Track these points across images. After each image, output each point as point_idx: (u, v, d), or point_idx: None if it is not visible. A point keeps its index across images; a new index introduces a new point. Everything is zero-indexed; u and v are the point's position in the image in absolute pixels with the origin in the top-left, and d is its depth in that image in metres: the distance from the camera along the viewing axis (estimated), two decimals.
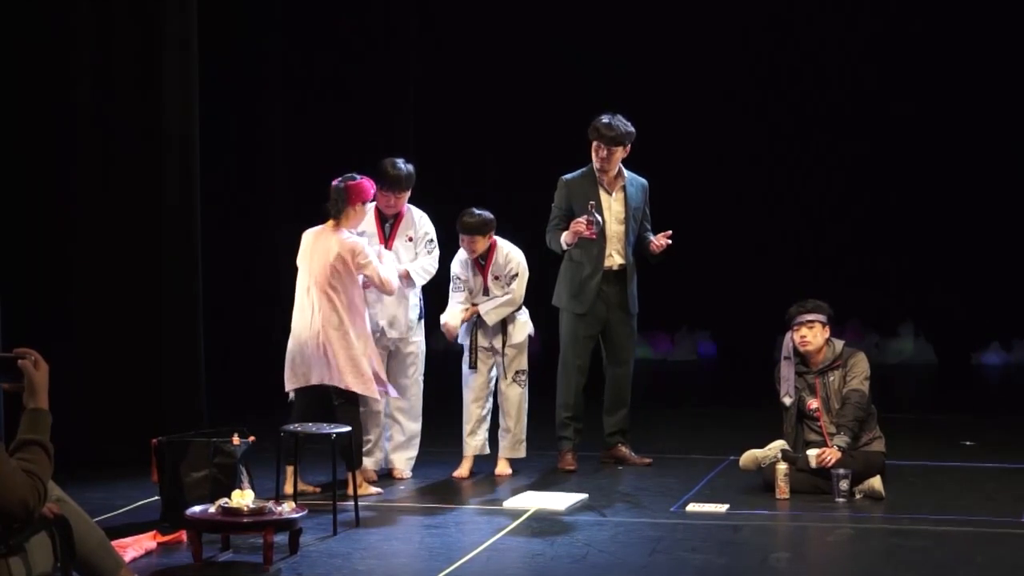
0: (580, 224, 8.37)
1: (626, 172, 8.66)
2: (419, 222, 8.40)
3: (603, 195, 8.58)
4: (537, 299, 8.74)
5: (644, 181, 8.76)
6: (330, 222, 7.85)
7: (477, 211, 8.39)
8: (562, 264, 8.73)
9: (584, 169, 8.65)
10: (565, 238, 8.48)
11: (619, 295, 8.66)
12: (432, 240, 8.43)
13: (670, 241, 8.62)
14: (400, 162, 8.26)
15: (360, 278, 7.81)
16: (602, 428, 8.81)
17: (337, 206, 7.81)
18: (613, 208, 8.59)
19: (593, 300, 8.59)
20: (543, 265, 8.91)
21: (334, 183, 7.87)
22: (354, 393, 7.80)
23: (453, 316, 8.42)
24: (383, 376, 7.96)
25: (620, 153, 8.55)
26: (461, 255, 8.49)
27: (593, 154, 8.56)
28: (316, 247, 7.83)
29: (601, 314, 8.64)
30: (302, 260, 7.90)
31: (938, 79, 14.11)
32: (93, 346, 8.70)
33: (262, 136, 12.18)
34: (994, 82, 14.00)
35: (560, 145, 9.61)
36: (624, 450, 8.80)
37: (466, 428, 8.47)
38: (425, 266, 8.37)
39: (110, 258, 8.75)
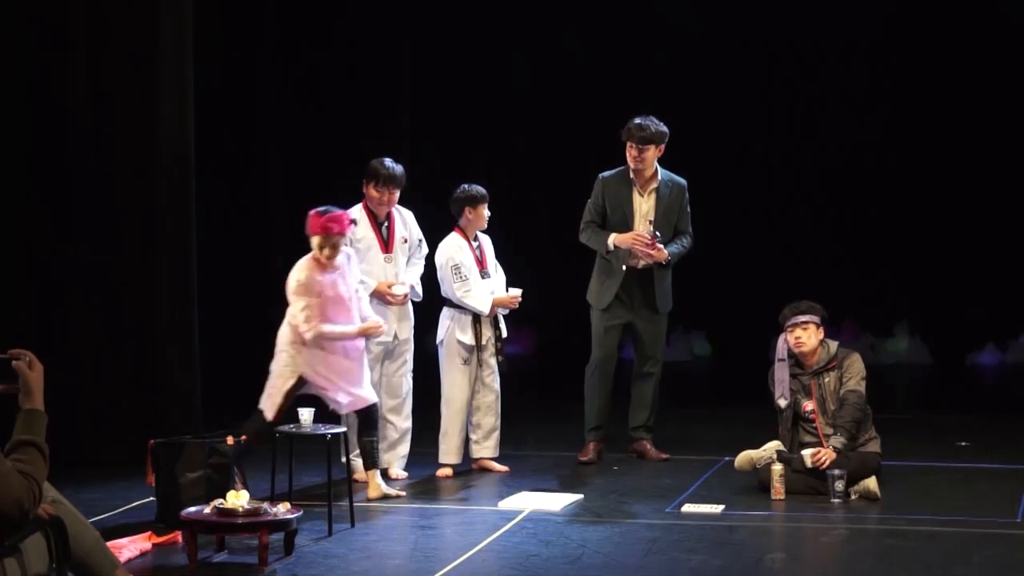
0: (644, 240, 8.47)
1: (662, 173, 8.75)
2: (410, 223, 8.42)
3: (635, 195, 8.69)
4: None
5: (683, 182, 8.86)
6: None
7: (469, 184, 8.49)
8: (596, 261, 8.82)
9: (621, 168, 8.75)
10: (615, 240, 8.53)
11: (645, 294, 8.75)
12: (422, 240, 8.46)
13: (653, 253, 8.61)
14: (389, 160, 8.27)
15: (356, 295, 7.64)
16: (627, 423, 8.93)
17: None
18: (643, 208, 8.69)
19: (615, 297, 8.67)
20: (541, 262, 8.90)
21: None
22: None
23: (492, 300, 8.37)
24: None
25: (653, 152, 8.65)
26: (454, 243, 8.43)
27: (627, 154, 8.65)
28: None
29: (625, 311, 8.72)
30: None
31: (933, 80, 14.10)
32: (89, 347, 8.70)
33: (257, 147, 12.18)
34: (990, 84, 13.99)
35: (556, 146, 9.61)
36: (646, 445, 8.91)
37: (474, 436, 8.49)
38: (421, 272, 8.39)
39: (106, 259, 8.75)
